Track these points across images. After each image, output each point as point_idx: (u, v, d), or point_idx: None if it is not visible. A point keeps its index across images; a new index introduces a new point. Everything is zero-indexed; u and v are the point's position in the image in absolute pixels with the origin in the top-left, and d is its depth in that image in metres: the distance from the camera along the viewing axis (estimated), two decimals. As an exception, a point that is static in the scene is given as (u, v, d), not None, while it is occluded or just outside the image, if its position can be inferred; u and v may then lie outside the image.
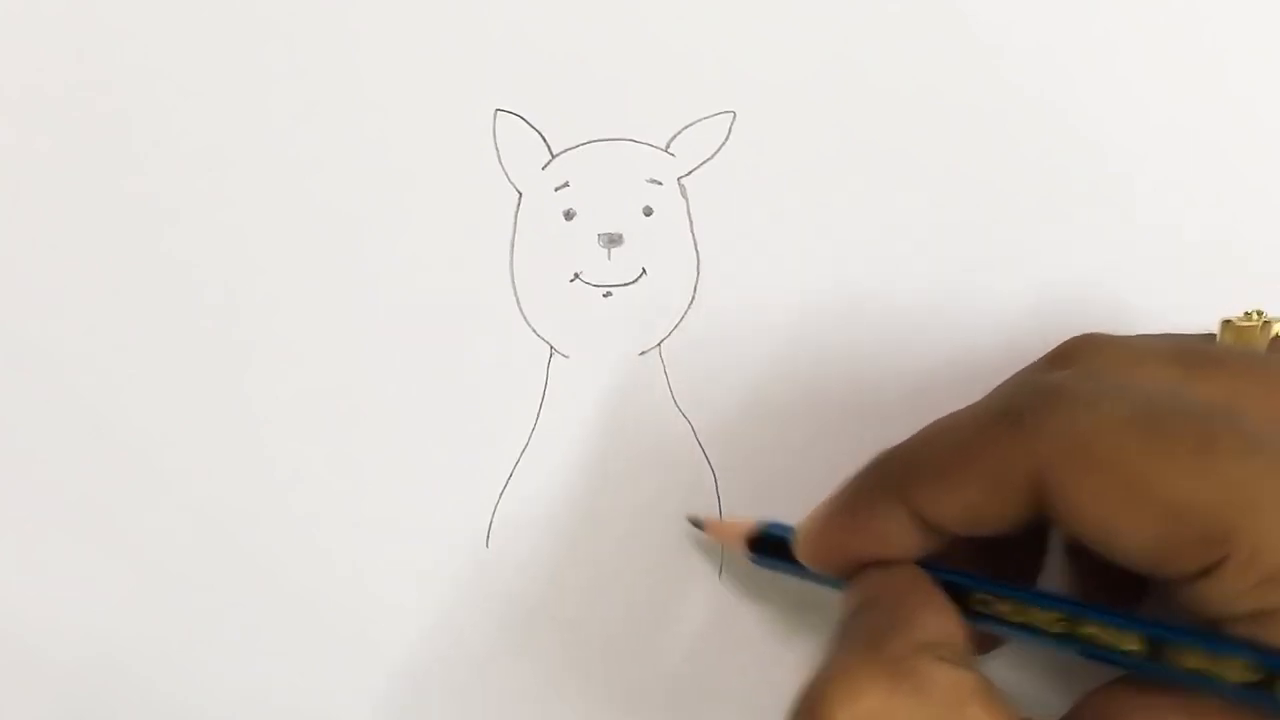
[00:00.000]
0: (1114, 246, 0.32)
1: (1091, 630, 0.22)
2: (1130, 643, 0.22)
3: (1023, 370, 0.25)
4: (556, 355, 0.31)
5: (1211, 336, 0.27)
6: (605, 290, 0.31)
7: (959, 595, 0.24)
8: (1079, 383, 0.22)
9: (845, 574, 0.25)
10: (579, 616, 0.31)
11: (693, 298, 0.31)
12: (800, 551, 0.26)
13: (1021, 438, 0.22)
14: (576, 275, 0.31)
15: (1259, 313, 0.27)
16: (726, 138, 0.31)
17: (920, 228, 0.32)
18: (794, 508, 0.31)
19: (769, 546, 0.28)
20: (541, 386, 0.31)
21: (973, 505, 0.23)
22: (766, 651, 0.31)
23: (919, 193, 0.32)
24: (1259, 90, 0.32)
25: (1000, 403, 0.23)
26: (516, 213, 0.31)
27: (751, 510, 0.31)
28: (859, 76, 0.31)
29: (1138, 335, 0.26)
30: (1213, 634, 0.21)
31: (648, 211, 0.31)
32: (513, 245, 0.31)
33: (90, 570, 0.31)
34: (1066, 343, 0.25)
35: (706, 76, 0.31)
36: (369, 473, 0.31)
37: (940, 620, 0.23)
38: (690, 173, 0.31)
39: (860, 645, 0.22)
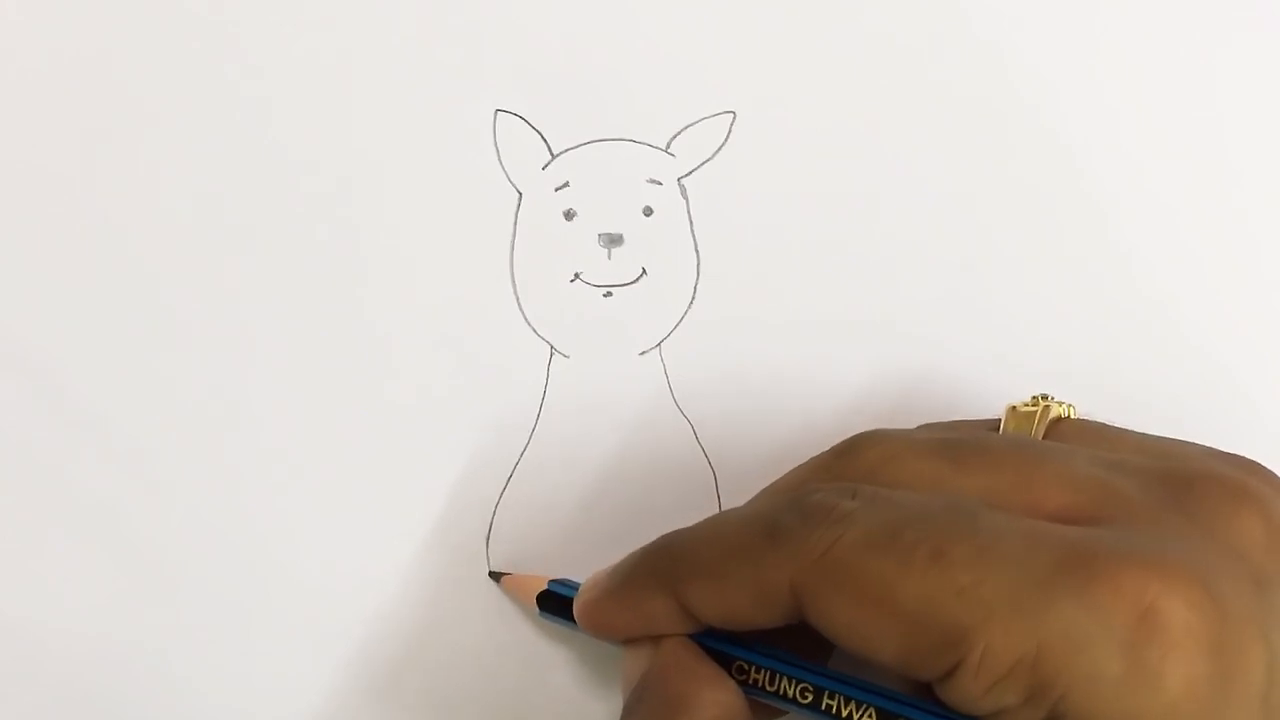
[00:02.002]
0: (1113, 248, 0.32)
1: (833, 703, 0.24)
2: (864, 715, 0.24)
3: (802, 466, 0.27)
4: (556, 355, 0.31)
5: (997, 423, 0.28)
6: (605, 290, 0.31)
7: (721, 662, 0.25)
8: (836, 497, 0.23)
9: (616, 643, 0.27)
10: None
11: (693, 298, 0.31)
12: (578, 618, 0.27)
13: (779, 551, 0.23)
14: (576, 275, 0.31)
15: (1043, 397, 0.28)
16: (726, 138, 0.31)
17: (920, 227, 0.32)
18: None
19: (555, 605, 0.29)
20: (541, 386, 0.31)
21: (734, 607, 0.24)
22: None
23: (919, 192, 0.32)
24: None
25: (765, 514, 0.24)
26: (516, 213, 0.31)
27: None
28: (859, 76, 0.31)
29: (921, 427, 0.28)
30: (944, 711, 0.23)
31: (648, 211, 0.31)
32: (513, 245, 0.31)
33: (89, 569, 0.31)
34: (846, 441, 0.26)
35: (706, 76, 0.31)
36: (369, 473, 0.31)
37: (717, 695, 0.24)
38: (690, 173, 0.31)
39: None
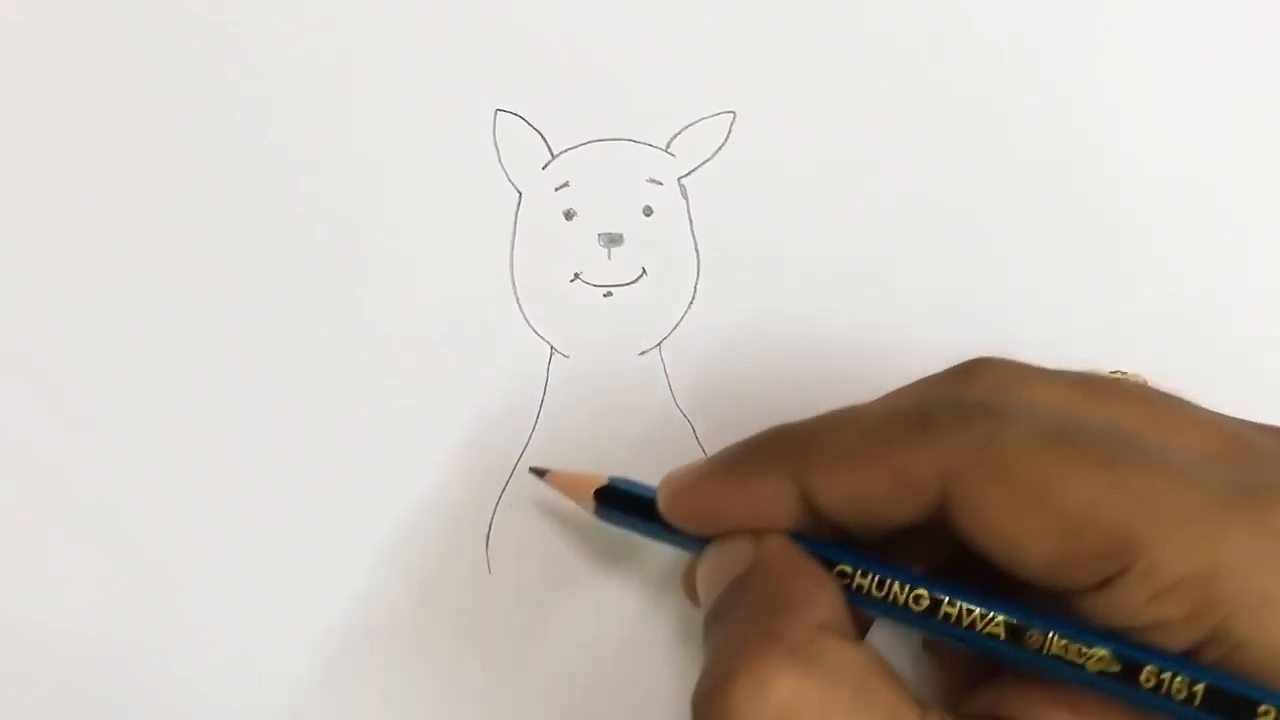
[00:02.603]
0: (1116, 247, 0.32)
1: (953, 611, 0.22)
2: (991, 626, 0.22)
3: (922, 381, 0.25)
4: (556, 355, 0.31)
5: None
6: (605, 290, 0.31)
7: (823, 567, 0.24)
8: (986, 396, 0.23)
9: (706, 534, 0.25)
10: (579, 616, 0.31)
11: (693, 298, 0.31)
12: (665, 502, 0.25)
13: (932, 440, 0.22)
14: (576, 275, 0.31)
15: (1123, 373, 0.28)
16: (726, 138, 0.31)
17: (921, 227, 0.32)
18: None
19: (615, 500, 0.27)
20: (541, 386, 0.31)
21: (869, 497, 0.23)
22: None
23: (920, 192, 0.32)
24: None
25: (911, 404, 0.23)
26: (516, 213, 0.31)
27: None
28: (859, 76, 0.31)
29: (1026, 363, 0.26)
30: (1075, 624, 0.21)
31: (648, 211, 0.31)
32: (513, 245, 0.31)
33: (89, 569, 0.31)
34: (967, 362, 0.25)
35: (706, 76, 0.31)
36: (369, 473, 0.31)
37: (828, 597, 0.23)
38: (690, 173, 0.31)
39: (755, 630, 0.22)
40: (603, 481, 0.27)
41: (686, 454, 0.31)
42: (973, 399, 0.22)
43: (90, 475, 0.30)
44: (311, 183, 0.31)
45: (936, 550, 0.24)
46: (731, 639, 0.22)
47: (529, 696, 0.31)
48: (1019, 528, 0.21)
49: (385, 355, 0.31)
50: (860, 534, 0.23)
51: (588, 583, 0.31)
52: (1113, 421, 0.22)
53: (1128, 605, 0.21)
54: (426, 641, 0.31)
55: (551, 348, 0.31)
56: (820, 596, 0.23)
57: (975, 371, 0.24)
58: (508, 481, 0.31)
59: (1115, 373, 0.28)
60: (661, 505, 0.25)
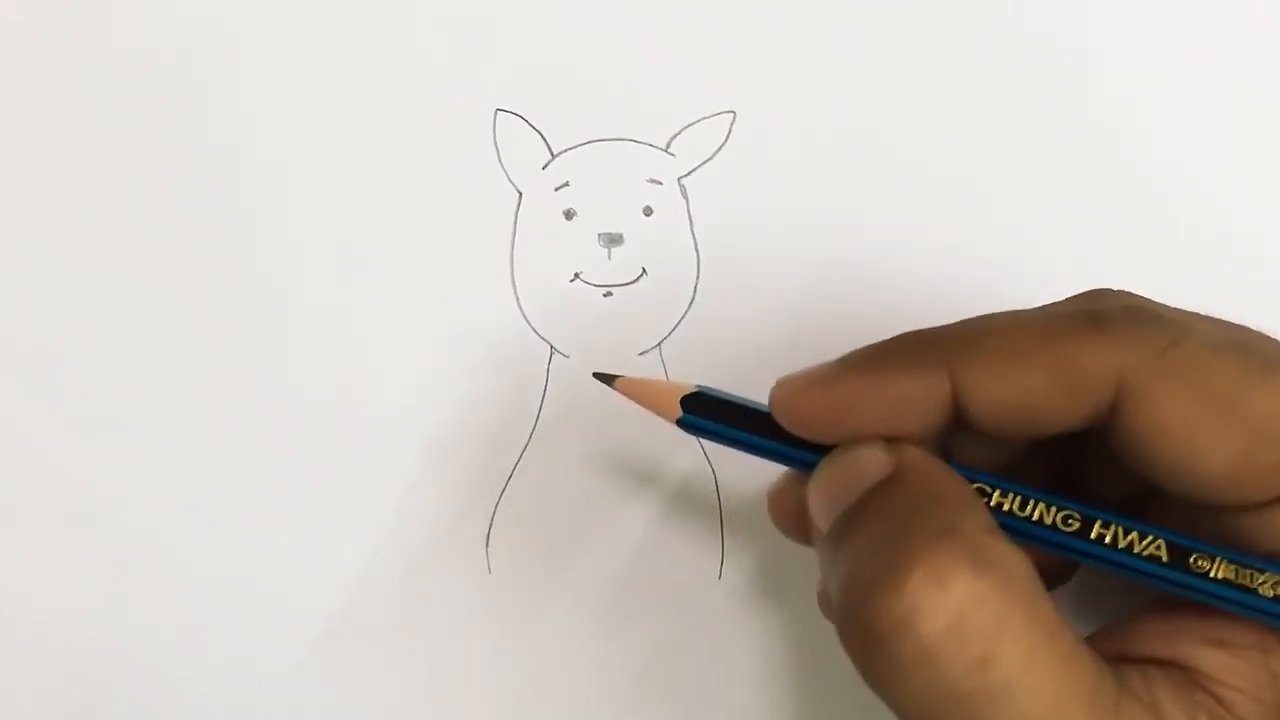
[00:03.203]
0: (1118, 249, 0.32)
1: (1107, 532, 0.21)
2: (1152, 548, 0.21)
3: (1051, 304, 0.23)
4: (556, 355, 0.31)
5: None
6: (605, 290, 0.31)
7: None
8: (1156, 307, 0.21)
9: (825, 440, 0.23)
10: (578, 616, 0.31)
11: (693, 298, 0.31)
12: (782, 402, 0.23)
13: (1108, 339, 0.21)
14: (576, 275, 0.31)
15: None
16: (726, 138, 0.31)
17: (921, 227, 0.32)
18: (794, 507, 0.31)
19: (706, 409, 0.24)
20: (541, 386, 0.31)
21: (1031, 394, 0.21)
22: (766, 651, 0.30)
23: (920, 192, 0.32)
24: None
25: (1082, 305, 0.22)
26: (516, 213, 0.31)
27: (755, 516, 0.31)
28: (859, 76, 0.31)
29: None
30: (1236, 552, 0.20)
31: (648, 211, 0.31)
32: (513, 245, 0.31)
33: (89, 569, 0.31)
34: (1090, 291, 0.23)
35: (706, 76, 0.31)
36: (369, 472, 0.31)
37: (980, 502, 0.21)
38: (690, 173, 0.31)
39: (923, 528, 0.20)
40: (690, 389, 0.24)
41: (687, 454, 0.31)
42: (1147, 303, 0.21)
43: (90, 475, 0.31)
44: (311, 183, 0.31)
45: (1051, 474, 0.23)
46: (890, 538, 0.20)
47: (529, 696, 0.31)
48: (1202, 432, 0.20)
49: (385, 355, 0.31)
50: (999, 446, 0.22)
51: (587, 583, 0.31)
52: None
53: None
54: (426, 642, 0.31)
55: (551, 348, 0.31)
56: (976, 500, 0.21)
57: (1108, 295, 0.23)
58: (508, 481, 0.31)
59: None
60: (776, 405, 0.23)
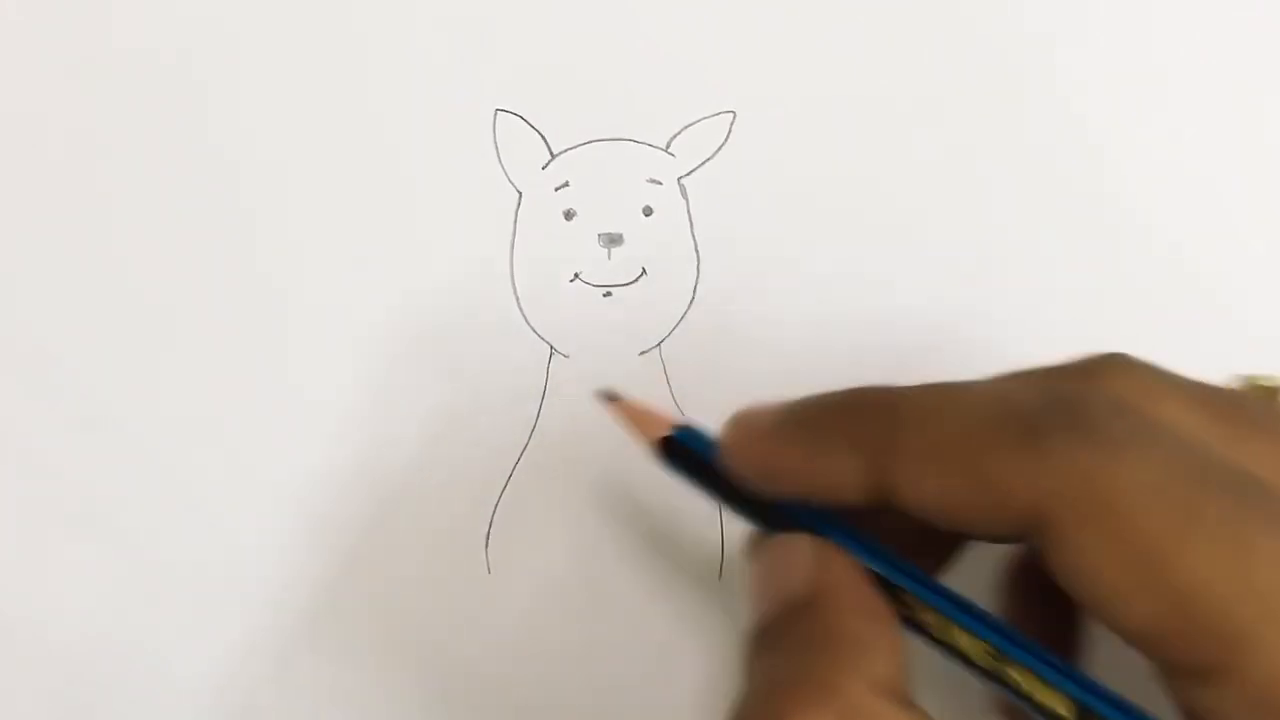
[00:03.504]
0: (1119, 245, 0.32)
1: (1019, 676, 0.20)
2: (1058, 704, 0.20)
3: (1041, 370, 0.22)
4: (556, 355, 0.31)
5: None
6: (605, 290, 0.31)
7: (885, 587, 0.22)
8: (1109, 414, 0.19)
9: (766, 491, 0.22)
10: (578, 616, 0.31)
11: (693, 298, 0.31)
12: (728, 446, 0.23)
13: (1037, 457, 0.19)
14: (576, 275, 0.31)
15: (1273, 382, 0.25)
16: (726, 138, 0.31)
17: (921, 228, 0.32)
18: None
19: (679, 454, 0.25)
20: (541, 386, 0.31)
21: (953, 504, 0.20)
22: (767, 652, 0.30)
23: (920, 192, 0.32)
24: None
25: (1019, 407, 0.20)
26: (516, 213, 0.31)
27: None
28: (859, 76, 0.31)
29: (1164, 369, 0.22)
30: (1146, 715, 0.19)
31: (648, 211, 0.31)
32: (513, 245, 0.31)
33: (89, 569, 0.31)
34: (1094, 357, 0.22)
35: (706, 76, 0.31)
36: (368, 473, 0.31)
37: (887, 645, 0.20)
38: (690, 173, 0.31)
39: (808, 680, 0.20)
40: (666, 430, 0.25)
41: (686, 454, 0.31)
42: (1091, 413, 0.19)
43: (90, 475, 0.31)
44: (311, 182, 0.31)
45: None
46: (780, 679, 0.20)
47: (529, 696, 0.31)
48: (1119, 584, 0.18)
49: (385, 355, 0.31)
50: (935, 528, 0.21)
51: (587, 583, 0.31)
52: (1247, 474, 0.19)
53: (1225, 705, 0.18)
54: (426, 642, 0.31)
55: (551, 348, 0.31)
56: (882, 643, 0.20)
57: (1103, 371, 0.21)
58: (507, 482, 0.31)
59: (1262, 381, 0.25)
60: (724, 444, 0.23)
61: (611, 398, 0.26)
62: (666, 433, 0.25)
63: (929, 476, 0.20)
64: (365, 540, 0.31)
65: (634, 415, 0.26)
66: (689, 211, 0.31)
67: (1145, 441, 0.19)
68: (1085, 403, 0.19)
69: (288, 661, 0.31)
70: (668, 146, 0.31)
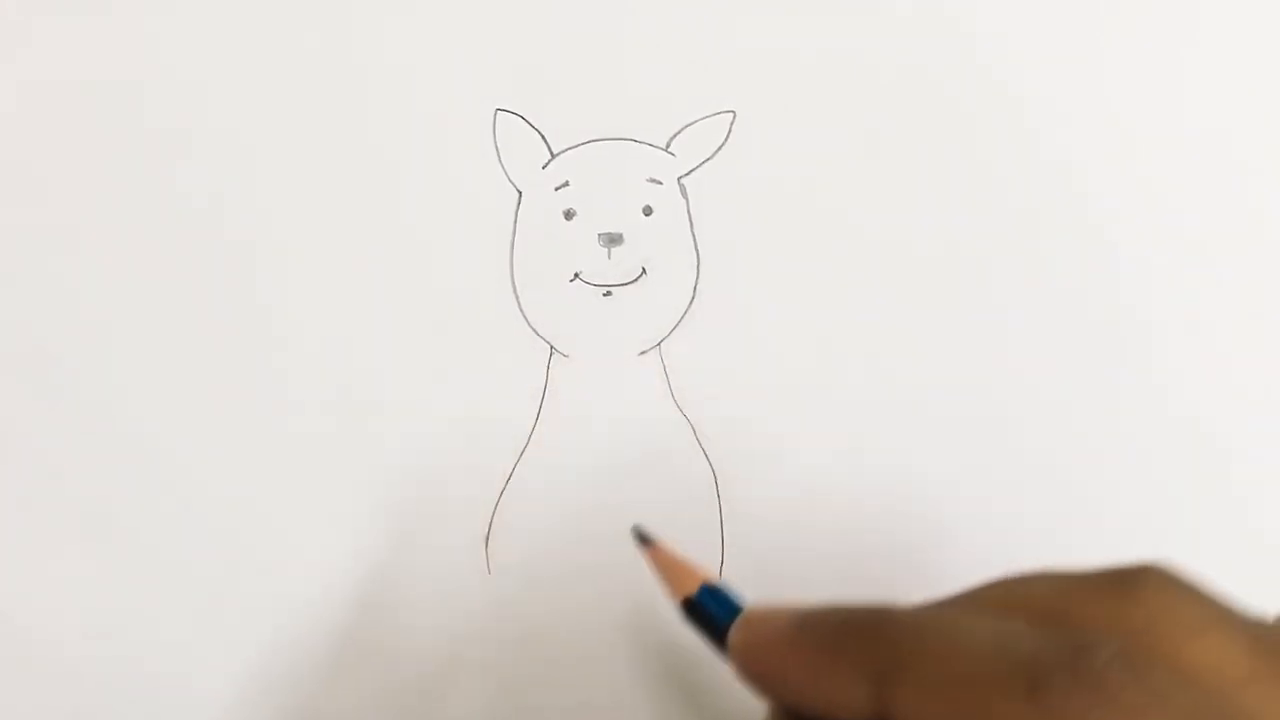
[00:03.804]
0: (1116, 240, 0.32)
1: None
2: None
3: (1065, 581, 0.21)
4: (556, 355, 0.31)
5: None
6: (605, 290, 0.31)
7: None
8: (1119, 669, 0.18)
9: (773, 698, 0.23)
10: (578, 616, 0.31)
11: (693, 298, 0.31)
12: (736, 651, 0.23)
13: (1036, 714, 0.18)
14: (576, 275, 0.31)
15: None
16: (726, 138, 0.31)
17: (921, 227, 0.32)
18: (794, 508, 0.31)
19: (698, 616, 0.25)
20: (541, 386, 0.31)
21: None
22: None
23: (919, 192, 0.32)
24: None
25: (1025, 652, 0.19)
26: (516, 213, 0.31)
27: (755, 515, 0.31)
28: (859, 77, 0.32)
29: (1206, 590, 0.21)
30: None
31: (648, 211, 0.31)
32: (513, 245, 0.31)
33: (89, 569, 0.31)
34: (1130, 569, 0.21)
35: (706, 76, 0.31)
36: (368, 473, 0.31)
37: None
38: (690, 173, 0.31)
39: None
40: (694, 588, 0.25)
41: (687, 454, 0.31)
42: (1099, 668, 0.18)
43: (90, 475, 0.30)
44: (312, 182, 0.31)
45: None
46: None
47: (529, 696, 0.31)
48: None
49: (385, 355, 0.31)
50: None
51: (587, 583, 0.31)
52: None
53: None
54: (426, 642, 0.31)
55: (551, 348, 0.31)
56: None
57: (1135, 589, 0.20)
58: (507, 482, 0.31)
59: None
60: (731, 647, 0.23)
61: (646, 540, 0.27)
62: (692, 592, 0.25)
63: (929, 715, 0.20)
64: (365, 540, 0.31)
65: (665, 564, 0.26)
66: (689, 211, 0.31)
67: (1154, 704, 0.18)
68: (1094, 654, 0.19)
69: (286, 661, 0.31)
70: (668, 146, 0.31)
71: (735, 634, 0.23)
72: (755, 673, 0.23)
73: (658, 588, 0.27)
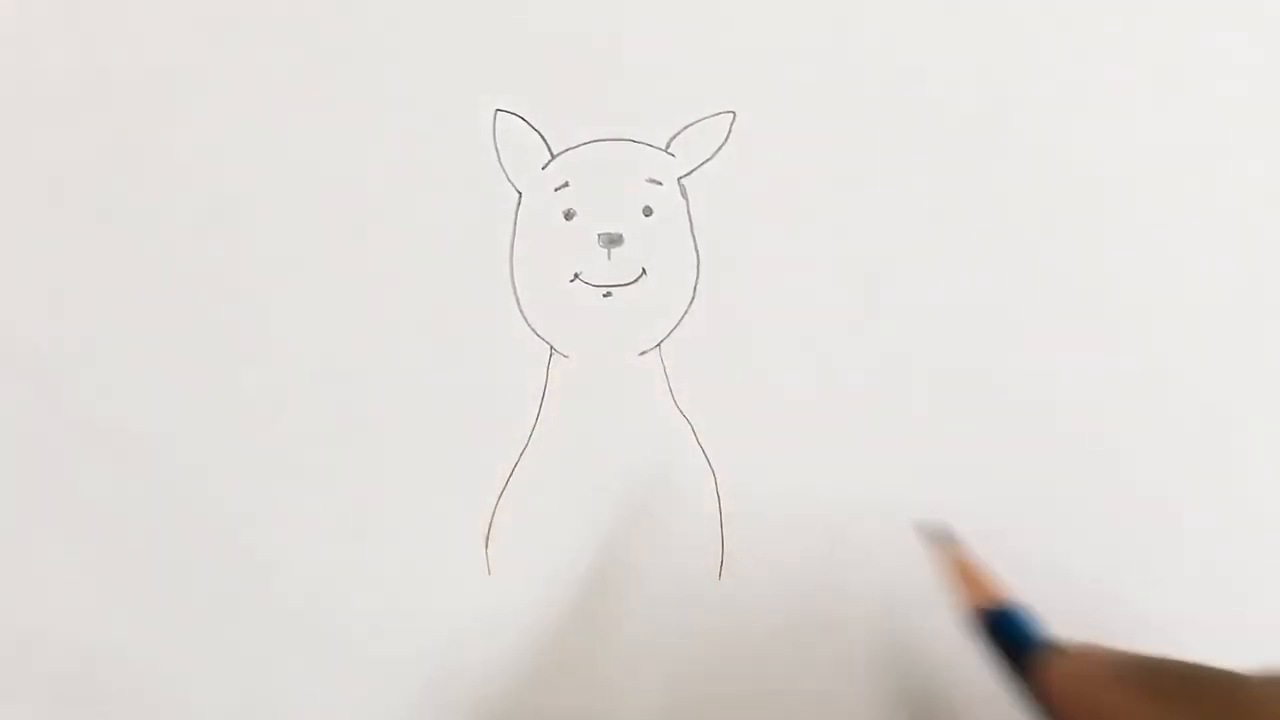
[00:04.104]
0: (1113, 235, 0.32)
1: None
2: None
3: (1224, 676, 0.22)
4: (556, 355, 0.31)
5: None
6: (605, 290, 0.31)
7: None
8: None
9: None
10: (578, 615, 0.31)
11: (693, 298, 0.31)
12: (1057, 671, 0.24)
13: None
14: (576, 275, 0.31)
15: None
16: (726, 138, 0.31)
17: (919, 227, 0.32)
18: (793, 508, 0.31)
19: (996, 629, 0.26)
20: (541, 386, 0.31)
21: None
22: (766, 651, 0.31)
23: (918, 192, 0.32)
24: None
25: None
26: (516, 213, 0.31)
27: (755, 516, 0.31)
28: (858, 77, 0.31)
29: None
30: None
31: (648, 211, 0.31)
32: (513, 245, 0.31)
33: (89, 569, 0.31)
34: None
35: (706, 76, 0.31)
36: (368, 473, 0.31)
37: None
38: (690, 173, 0.31)
39: None
40: (994, 602, 0.26)
41: (687, 454, 0.31)
42: None
43: (90, 475, 0.30)
44: (312, 183, 0.31)
45: None
46: None
47: (528, 696, 0.31)
48: None
49: (385, 355, 0.31)
50: None
51: (586, 583, 0.31)
52: None
53: None
54: (425, 642, 0.31)
55: (551, 348, 0.31)
56: None
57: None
58: (508, 481, 0.31)
59: None
60: (1053, 675, 0.24)
61: (946, 541, 0.28)
62: (994, 606, 0.25)
63: None
64: (365, 540, 0.31)
65: (964, 571, 0.27)
66: (689, 211, 0.31)
67: None
68: None
69: (286, 661, 0.31)
70: (668, 146, 0.31)
71: (1059, 662, 0.24)
72: (1072, 702, 0.23)
73: (944, 586, 0.27)
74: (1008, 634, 0.25)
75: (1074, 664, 0.23)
